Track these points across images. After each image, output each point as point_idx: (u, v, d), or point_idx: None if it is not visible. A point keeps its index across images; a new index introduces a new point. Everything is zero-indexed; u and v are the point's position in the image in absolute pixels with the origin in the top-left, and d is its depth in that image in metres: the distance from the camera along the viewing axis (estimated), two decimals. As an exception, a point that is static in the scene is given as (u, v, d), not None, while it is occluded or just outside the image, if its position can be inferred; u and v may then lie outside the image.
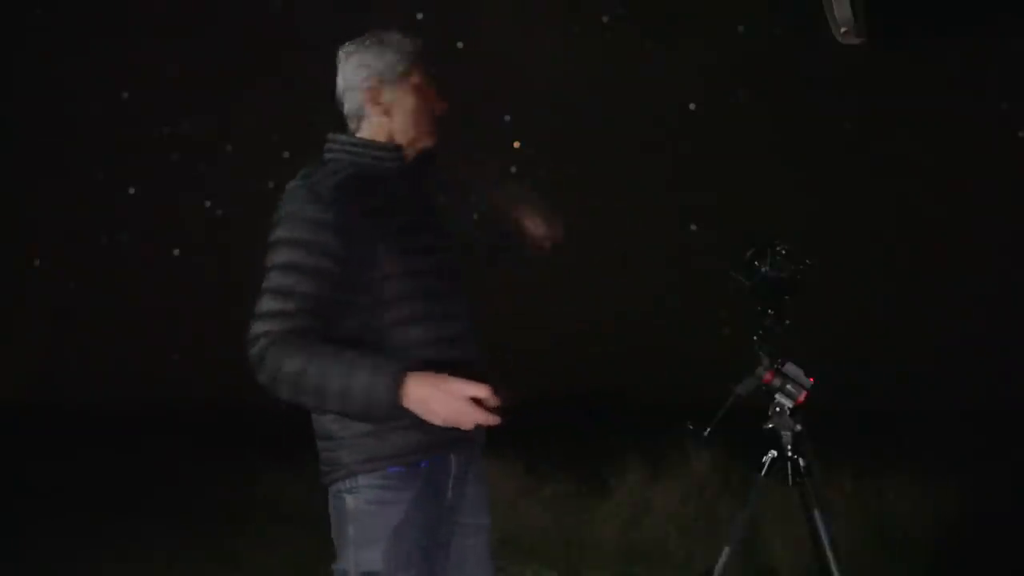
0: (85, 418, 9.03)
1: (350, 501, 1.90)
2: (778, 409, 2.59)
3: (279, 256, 1.83)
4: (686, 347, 10.01)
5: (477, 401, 1.69)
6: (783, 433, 2.59)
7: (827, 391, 2.63)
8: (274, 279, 1.82)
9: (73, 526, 5.40)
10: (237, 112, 11.10)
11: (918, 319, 10.34)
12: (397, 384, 1.70)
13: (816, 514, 2.51)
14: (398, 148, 1.99)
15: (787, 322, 2.62)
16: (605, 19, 10.94)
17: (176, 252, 11.43)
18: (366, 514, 1.89)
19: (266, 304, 1.81)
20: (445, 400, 1.68)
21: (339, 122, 2.07)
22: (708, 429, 2.60)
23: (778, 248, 2.61)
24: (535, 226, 2.26)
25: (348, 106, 2.03)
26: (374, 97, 1.99)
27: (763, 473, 2.60)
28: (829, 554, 2.49)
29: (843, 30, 1.89)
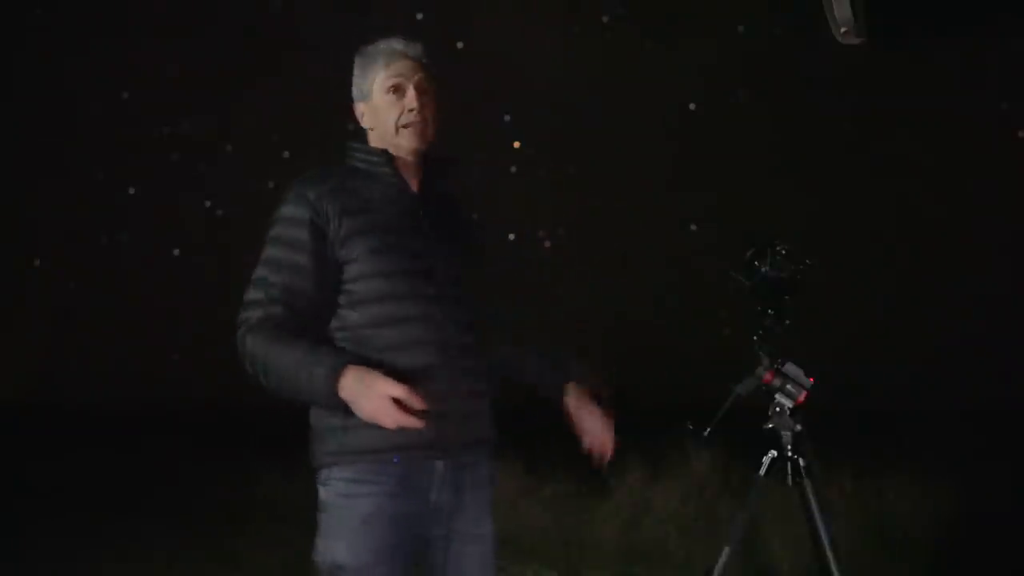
0: (85, 418, 9.03)
1: (322, 492, 1.95)
2: (778, 409, 2.58)
3: (263, 252, 1.97)
4: (686, 347, 10.01)
5: (400, 403, 1.74)
6: (783, 433, 2.59)
7: (827, 391, 2.63)
8: (256, 272, 1.96)
9: (73, 526, 5.40)
10: (237, 112, 11.11)
11: (918, 319, 10.35)
12: (335, 376, 1.78)
13: (816, 514, 2.51)
14: (384, 153, 2.02)
15: (787, 322, 2.61)
16: (605, 19, 10.95)
17: (176, 252, 11.43)
18: (335, 506, 1.93)
19: (247, 295, 1.95)
20: (369, 396, 1.75)
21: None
22: (708, 429, 2.59)
23: (778, 248, 2.61)
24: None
25: None
26: (358, 114, 2.09)
27: (763, 473, 2.60)
28: (829, 554, 2.49)
29: (843, 30, 1.89)
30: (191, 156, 11.43)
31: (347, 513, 1.92)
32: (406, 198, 2.02)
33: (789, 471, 2.57)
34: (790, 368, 2.58)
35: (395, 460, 1.92)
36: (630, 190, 11.29)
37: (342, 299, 1.95)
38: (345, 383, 1.77)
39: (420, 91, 2.01)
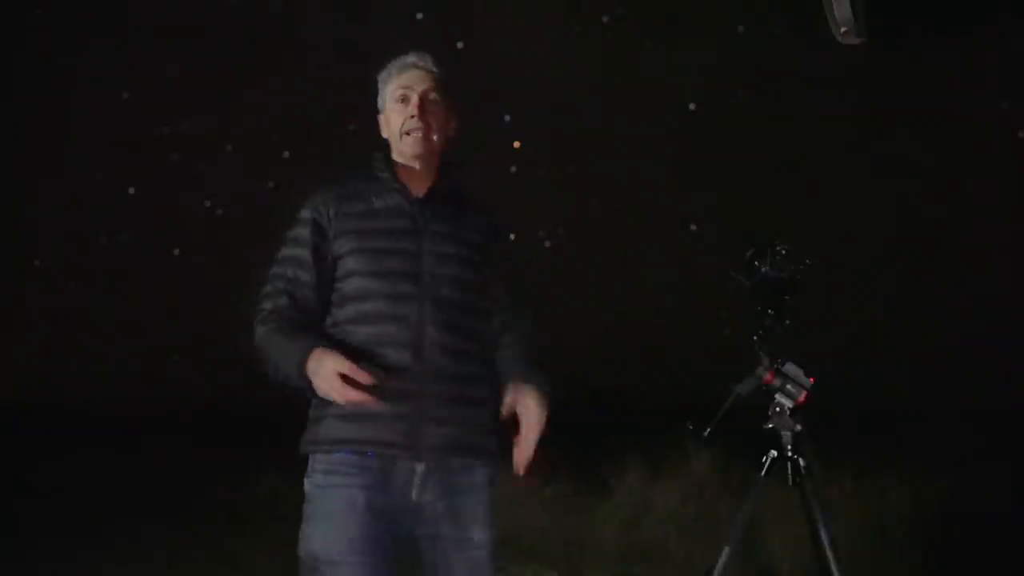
0: (85, 418, 9.03)
1: (306, 483, 2.03)
2: (778, 409, 2.59)
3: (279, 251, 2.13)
4: (686, 347, 10.01)
5: (349, 379, 1.85)
6: (783, 433, 2.59)
7: (827, 391, 2.63)
8: (271, 269, 2.11)
9: (73, 526, 5.40)
10: (237, 112, 11.11)
11: (918, 319, 10.35)
12: (303, 356, 1.91)
13: (816, 514, 2.51)
14: (387, 159, 2.14)
15: (787, 322, 2.62)
16: (605, 19, 10.95)
17: (176, 252, 11.43)
18: (313, 496, 2.02)
19: (263, 290, 2.10)
20: (321, 374, 1.87)
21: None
22: (708, 429, 2.59)
23: (778, 248, 2.61)
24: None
25: None
26: (381, 125, 2.20)
27: (763, 473, 2.60)
28: (829, 554, 2.49)
29: (843, 30, 1.89)
30: (191, 156, 11.43)
31: (322, 503, 2.00)
32: (406, 202, 2.09)
33: (789, 471, 2.57)
34: (790, 368, 2.58)
35: (369, 455, 1.98)
36: (630, 190, 11.29)
37: (334, 296, 2.05)
38: (309, 364, 1.90)
39: (424, 100, 2.10)
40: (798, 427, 2.58)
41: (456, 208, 2.13)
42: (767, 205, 10.34)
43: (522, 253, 2.34)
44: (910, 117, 10.47)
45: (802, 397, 2.57)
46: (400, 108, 2.11)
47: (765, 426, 2.60)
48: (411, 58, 2.15)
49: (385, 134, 2.17)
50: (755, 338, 2.61)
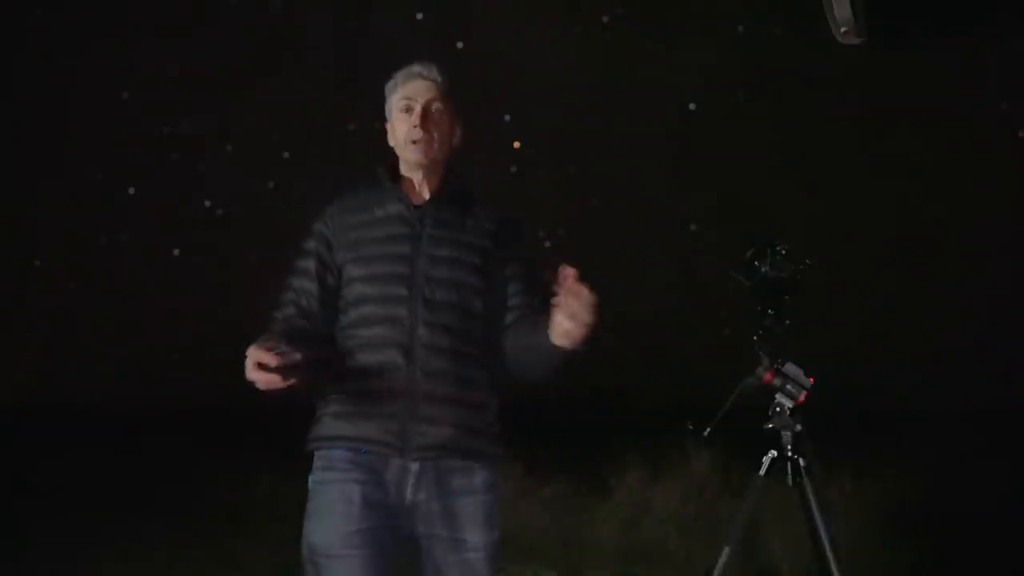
0: (85, 418, 9.02)
1: (309, 478, 2.13)
2: (778, 409, 2.59)
3: None
4: (686, 347, 10.00)
5: (265, 366, 1.86)
6: (783, 433, 2.59)
7: (827, 391, 2.63)
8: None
9: (73, 526, 5.40)
10: (237, 112, 11.09)
11: (918, 319, 10.34)
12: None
13: (816, 514, 2.52)
14: (389, 168, 2.23)
15: (787, 322, 2.62)
16: (605, 19, 10.94)
17: (176, 252, 11.42)
18: (312, 491, 2.12)
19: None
20: (247, 368, 1.88)
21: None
22: (708, 429, 2.60)
23: (778, 248, 2.62)
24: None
25: None
26: (388, 135, 2.25)
27: (763, 473, 2.60)
28: (829, 554, 2.49)
29: (843, 30, 1.89)
30: (191, 156, 11.41)
31: (320, 498, 2.08)
32: (407, 209, 2.15)
33: (789, 471, 2.58)
34: (790, 368, 2.59)
35: (363, 452, 2.04)
36: (630, 190, 11.28)
37: (340, 302, 2.15)
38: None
39: (427, 110, 2.15)
40: (798, 427, 2.59)
41: (459, 213, 2.17)
42: (767, 205, 10.33)
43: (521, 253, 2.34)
44: (910, 117, 10.46)
45: (802, 397, 2.58)
46: (404, 118, 2.17)
47: (765, 426, 2.61)
48: (416, 68, 2.20)
49: (392, 143, 2.23)
50: (755, 338, 2.62)
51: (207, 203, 11.40)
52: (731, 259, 2.67)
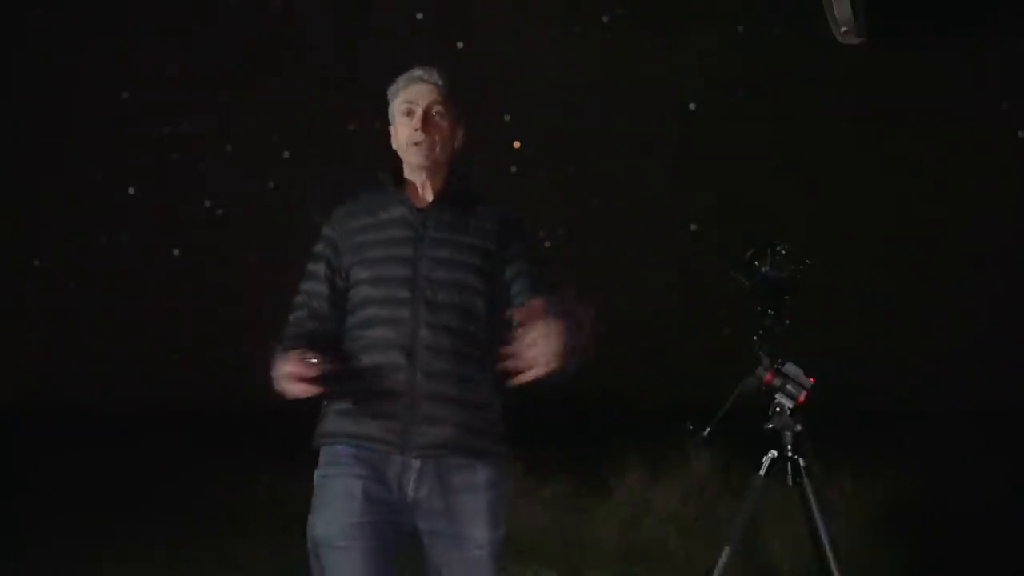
0: (85, 418, 9.02)
1: (315, 473, 2.18)
2: (778, 409, 2.59)
3: None
4: (686, 347, 10.00)
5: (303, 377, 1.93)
6: (783, 433, 2.60)
7: (827, 391, 2.63)
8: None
9: (73, 526, 5.40)
10: (237, 112, 11.09)
11: (918, 319, 10.34)
12: (276, 359, 2.00)
13: (816, 514, 2.52)
14: (391, 171, 2.26)
15: (787, 322, 2.62)
16: (605, 19, 10.94)
17: (176, 252, 11.42)
18: (317, 486, 2.16)
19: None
20: (278, 378, 1.97)
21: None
22: (708, 429, 2.60)
23: (778, 248, 2.62)
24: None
25: None
26: (391, 138, 2.29)
27: (763, 473, 2.60)
28: (829, 554, 2.49)
29: (843, 30, 1.89)
30: (191, 156, 11.40)
31: (323, 492, 2.12)
32: (410, 212, 2.18)
33: (789, 471, 2.58)
34: (790, 368, 2.59)
35: (365, 448, 2.08)
36: (630, 190, 11.26)
37: (348, 304, 2.19)
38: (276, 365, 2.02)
39: (428, 113, 2.18)
40: (798, 427, 2.59)
41: (461, 214, 2.19)
42: (767, 205, 10.32)
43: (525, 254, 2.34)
44: (910, 117, 10.45)
45: (802, 397, 2.58)
46: (406, 121, 2.20)
47: (765, 426, 2.61)
48: (417, 72, 2.23)
49: (394, 146, 2.26)
50: (755, 338, 2.62)
51: (207, 203, 11.39)
52: (731, 259, 2.67)
